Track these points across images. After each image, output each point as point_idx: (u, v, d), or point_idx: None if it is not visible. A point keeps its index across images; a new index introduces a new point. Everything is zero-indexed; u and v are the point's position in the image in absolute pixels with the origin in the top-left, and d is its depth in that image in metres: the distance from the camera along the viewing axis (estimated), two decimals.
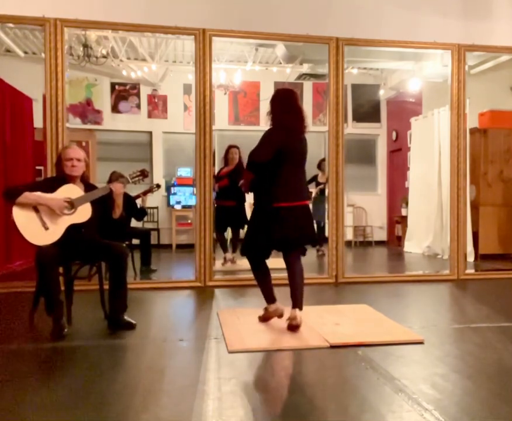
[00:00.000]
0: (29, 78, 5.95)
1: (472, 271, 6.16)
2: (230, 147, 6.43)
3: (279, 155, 3.34)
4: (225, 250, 6.43)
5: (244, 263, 6.10)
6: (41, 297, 3.46)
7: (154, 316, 4.04)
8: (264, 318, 3.53)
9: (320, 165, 7.62)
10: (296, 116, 3.44)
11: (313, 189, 7.85)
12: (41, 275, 3.28)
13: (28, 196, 3.33)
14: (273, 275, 3.53)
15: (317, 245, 3.66)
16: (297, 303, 3.33)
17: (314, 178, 7.80)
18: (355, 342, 3.07)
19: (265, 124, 3.57)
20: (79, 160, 3.53)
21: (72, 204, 3.42)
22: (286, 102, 3.47)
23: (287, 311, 3.38)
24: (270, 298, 3.49)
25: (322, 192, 7.41)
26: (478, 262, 6.81)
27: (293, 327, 3.28)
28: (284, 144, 3.35)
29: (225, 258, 6.37)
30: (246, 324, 3.51)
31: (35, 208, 3.34)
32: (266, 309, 3.52)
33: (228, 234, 6.82)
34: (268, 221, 3.34)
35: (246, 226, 6.72)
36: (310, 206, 3.62)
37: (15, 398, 2.29)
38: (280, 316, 3.47)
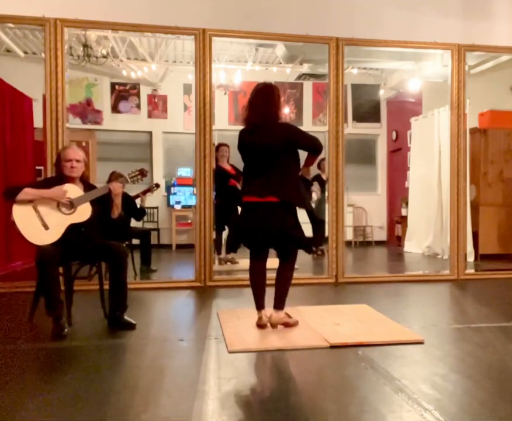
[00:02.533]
0: (29, 78, 5.95)
1: (472, 271, 6.15)
2: (220, 144, 6.44)
3: (240, 147, 3.47)
4: (220, 252, 6.41)
5: (244, 263, 6.16)
6: (41, 297, 3.46)
7: (154, 316, 4.04)
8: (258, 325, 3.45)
9: (320, 165, 7.61)
10: (252, 108, 3.45)
11: (316, 188, 7.81)
12: (41, 275, 3.28)
13: (28, 191, 3.34)
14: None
15: (310, 251, 3.56)
16: (276, 304, 3.37)
17: (317, 177, 7.75)
18: (355, 342, 3.07)
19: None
20: (78, 161, 3.54)
21: (72, 204, 3.43)
22: (250, 96, 3.51)
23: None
24: (256, 304, 3.40)
25: (323, 190, 7.39)
26: (478, 262, 6.81)
27: (273, 325, 3.36)
28: (241, 136, 3.47)
29: (220, 260, 6.36)
30: (246, 324, 3.50)
31: (35, 208, 3.35)
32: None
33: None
34: (240, 216, 3.52)
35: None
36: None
37: (15, 398, 2.29)
38: (261, 326, 3.37)
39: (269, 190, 3.28)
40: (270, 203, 3.27)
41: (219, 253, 6.40)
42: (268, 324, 3.38)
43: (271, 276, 3.46)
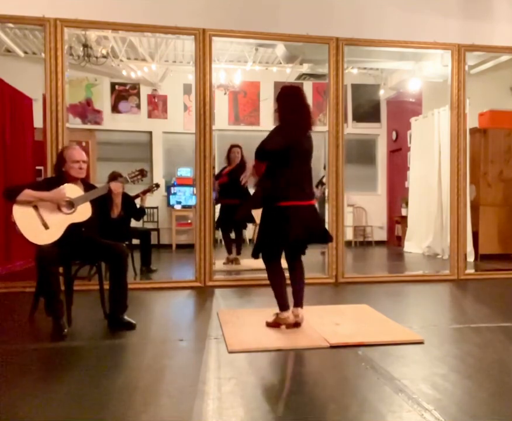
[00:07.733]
0: (29, 78, 5.95)
1: (472, 271, 6.15)
2: (232, 146, 6.45)
3: (287, 152, 3.33)
4: (229, 252, 6.43)
5: (245, 263, 6.19)
6: (41, 297, 3.46)
7: (154, 316, 4.04)
8: (273, 325, 3.41)
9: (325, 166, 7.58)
10: (302, 113, 3.43)
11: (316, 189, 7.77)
12: (41, 275, 3.28)
13: (28, 193, 3.34)
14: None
15: (329, 242, 3.78)
16: (301, 303, 3.42)
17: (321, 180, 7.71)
18: (355, 342, 3.07)
19: (271, 123, 3.59)
20: (84, 162, 3.57)
21: (72, 204, 3.43)
22: (292, 99, 3.46)
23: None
24: (284, 305, 3.39)
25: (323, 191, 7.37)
26: (478, 262, 6.81)
27: (299, 324, 3.38)
28: (293, 141, 3.35)
29: (228, 258, 6.37)
30: (246, 324, 3.51)
31: (36, 207, 3.35)
32: (277, 315, 3.42)
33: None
34: (278, 221, 3.30)
35: (248, 225, 6.82)
36: (316, 205, 3.66)
37: (15, 398, 2.29)
38: (290, 325, 3.38)
39: (310, 194, 3.47)
40: (313, 205, 3.49)
41: (230, 253, 6.43)
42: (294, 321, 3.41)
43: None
